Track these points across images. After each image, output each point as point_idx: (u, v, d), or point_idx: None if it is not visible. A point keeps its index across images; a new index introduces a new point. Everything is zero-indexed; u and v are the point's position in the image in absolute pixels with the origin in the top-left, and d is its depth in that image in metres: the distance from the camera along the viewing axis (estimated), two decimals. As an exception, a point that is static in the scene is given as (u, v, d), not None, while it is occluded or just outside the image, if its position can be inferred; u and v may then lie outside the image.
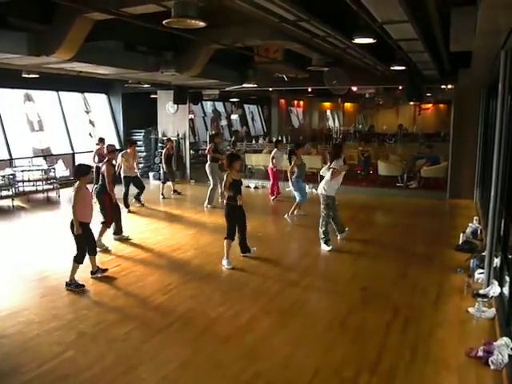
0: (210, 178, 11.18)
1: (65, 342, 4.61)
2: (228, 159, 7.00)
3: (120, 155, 10.29)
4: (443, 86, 14.43)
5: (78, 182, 6.07)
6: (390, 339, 4.67)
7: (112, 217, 7.70)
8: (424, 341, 4.63)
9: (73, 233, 5.94)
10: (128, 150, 10.45)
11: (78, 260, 5.97)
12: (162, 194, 12.27)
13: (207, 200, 10.96)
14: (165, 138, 14.74)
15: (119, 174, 10.16)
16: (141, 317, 5.20)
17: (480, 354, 4.20)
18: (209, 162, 11.31)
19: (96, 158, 11.54)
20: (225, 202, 7.00)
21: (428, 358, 4.31)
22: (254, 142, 19.94)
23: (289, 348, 4.50)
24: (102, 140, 12.02)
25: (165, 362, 4.24)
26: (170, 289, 6.00)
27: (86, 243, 6.04)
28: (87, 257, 6.11)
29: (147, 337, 4.71)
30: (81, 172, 6.11)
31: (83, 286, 5.93)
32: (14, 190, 11.16)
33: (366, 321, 5.11)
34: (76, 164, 7.18)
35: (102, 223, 7.54)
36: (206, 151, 11.74)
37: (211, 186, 11.14)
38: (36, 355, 4.36)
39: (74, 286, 5.89)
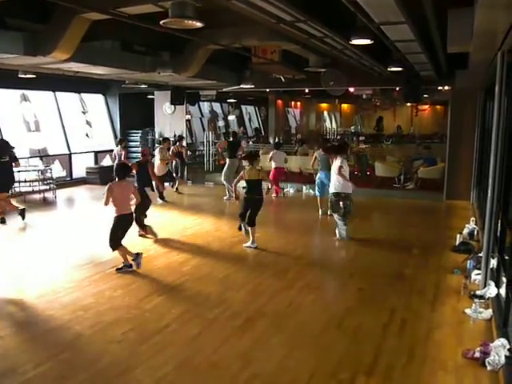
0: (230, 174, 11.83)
1: (61, 343, 4.58)
2: (249, 158, 7.69)
3: (158, 151, 11.42)
4: (440, 87, 14.44)
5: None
6: (387, 340, 4.67)
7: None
8: (421, 342, 4.63)
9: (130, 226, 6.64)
10: (162, 146, 11.81)
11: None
12: (177, 190, 12.92)
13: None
14: (171, 137, 14.84)
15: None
16: (137, 318, 5.17)
17: (477, 354, 4.19)
18: (233, 159, 12.14)
19: (117, 159, 12.29)
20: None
21: (425, 359, 4.31)
22: (250, 142, 19.87)
23: (285, 350, 4.49)
24: (121, 141, 13.11)
25: (161, 363, 4.22)
26: (166, 290, 5.99)
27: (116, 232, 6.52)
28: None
29: (144, 338, 4.69)
30: (125, 171, 6.70)
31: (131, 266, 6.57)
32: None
33: (363, 322, 5.10)
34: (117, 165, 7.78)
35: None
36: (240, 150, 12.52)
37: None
38: (32, 356, 4.34)
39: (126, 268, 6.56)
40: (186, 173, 14.51)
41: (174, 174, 13.17)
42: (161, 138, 13.68)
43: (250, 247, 7.69)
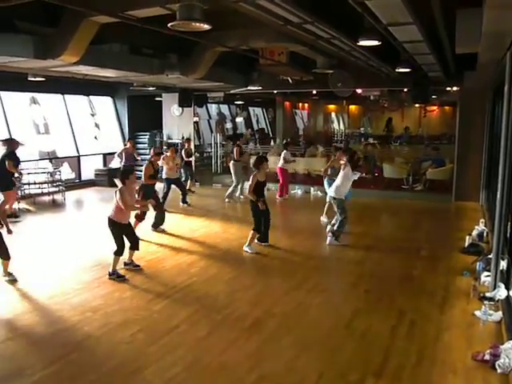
0: (234, 177, 12.07)
1: (70, 344, 4.62)
2: (257, 160, 7.60)
3: (161, 158, 10.62)
4: (448, 88, 14.36)
5: (122, 184, 6.42)
6: (396, 342, 4.65)
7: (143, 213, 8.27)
8: (430, 344, 4.61)
9: (110, 229, 6.39)
10: (168, 153, 10.93)
11: (116, 253, 6.40)
12: (190, 190, 12.96)
13: (227, 194, 11.92)
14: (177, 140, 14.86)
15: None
16: (146, 319, 5.20)
17: (487, 357, 4.17)
18: (233, 162, 12.18)
19: (123, 156, 12.31)
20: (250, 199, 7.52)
21: (434, 361, 4.29)
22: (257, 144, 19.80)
23: (293, 351, 4.49)
24: (130, 140, 13.04)
25: (170, 364, 4.23)
26: (174, 291, 6.01)
27: (121, 239, 6.45)
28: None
29: (152, 339, 4.71)
30: (126, 174, 6.52)
31: (124, 277, 6.42)
32: (19, 192, 11.21)
33: (371, 324, 5.09)
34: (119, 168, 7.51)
35: (135, 217, 8.02)
36: (235, 154, 12.31)
37: (234, 184, 12.06)
38: (41, 357, 4.38)
39: (115, 276, 6.37)
40: (193, 174, 14.51)
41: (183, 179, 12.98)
42: (166, 146, 13.78)
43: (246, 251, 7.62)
